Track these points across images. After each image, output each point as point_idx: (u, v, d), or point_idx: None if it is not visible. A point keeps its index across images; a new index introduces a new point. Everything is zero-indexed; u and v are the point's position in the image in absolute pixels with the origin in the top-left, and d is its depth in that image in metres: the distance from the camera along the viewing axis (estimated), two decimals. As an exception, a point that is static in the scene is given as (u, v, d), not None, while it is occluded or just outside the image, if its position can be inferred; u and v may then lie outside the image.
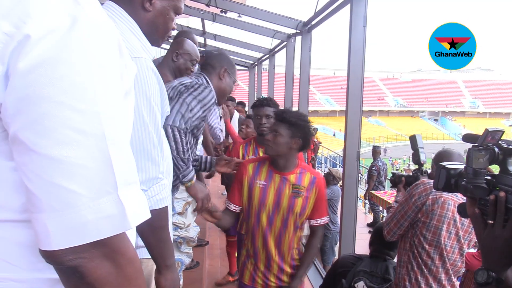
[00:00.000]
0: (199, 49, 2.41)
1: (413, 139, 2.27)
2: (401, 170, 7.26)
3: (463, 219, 1.93)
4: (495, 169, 0.95)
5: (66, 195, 0.56)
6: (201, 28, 7.15)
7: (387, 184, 8.26)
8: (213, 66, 2.03)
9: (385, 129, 49.75)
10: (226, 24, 6.06)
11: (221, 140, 3.75)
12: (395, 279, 2.14)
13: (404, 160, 31.64)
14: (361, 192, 9.29)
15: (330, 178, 5.46)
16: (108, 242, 0.59)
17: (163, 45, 1.89)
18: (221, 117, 3.97)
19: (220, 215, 2.02)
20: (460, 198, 1.91)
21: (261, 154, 2.80)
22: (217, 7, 5.19)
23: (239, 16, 5.67)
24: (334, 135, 40.45)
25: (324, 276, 3.03)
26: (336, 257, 4.71)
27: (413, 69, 77.56)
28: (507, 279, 0.87)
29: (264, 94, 7.90)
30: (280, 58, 7.14)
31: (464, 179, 0.94)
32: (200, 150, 2.99)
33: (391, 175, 2.47)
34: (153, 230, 1.14)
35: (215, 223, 2.09)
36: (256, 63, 9.53)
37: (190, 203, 3.42)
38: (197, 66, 2.39)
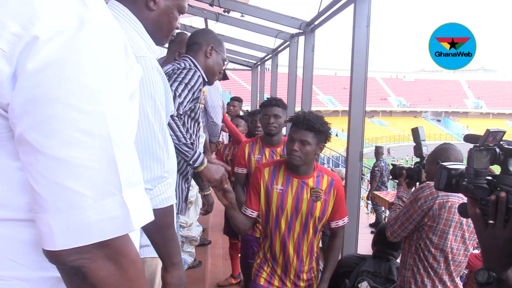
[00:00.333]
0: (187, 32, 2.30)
1: (415, 132, 2.26)
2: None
3: (469, 220, 1.92)
4: (496, 169, 0.96)
5: (72, 196, 0.56)
6: (204, 28, 7.16)
7: (390, 184, 8.23)
8: (199, 44, 1.98)
9: (387, 129, 49.52)
10: (229, 23, 6.04)
11: (220, 138, 3.71)
12: (400, 282, 2.12)
13: (407, 161, 31.51)
14: (364, 192, 9.28)
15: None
16: (111, 243, 0.59)
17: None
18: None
19: (233, 197, 1.93)
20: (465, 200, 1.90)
21: (266, 153, 2.77)
22: (220, 7, 5.16)
23: (242, 16, 5.65)
24: (336, 135, 40.26)
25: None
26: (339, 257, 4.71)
27: (416, 69, 77.22)
28: (508, 279, 0.88)
29: (267, 94, 7.89)
30: (283, 58, 7.15)
31: (465, 179, 0.95)
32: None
33: (391, 166, 2.46)
34: (159, 229, 1.15)
35: (232, 223, 2.03)
36: (259, 62, 9.51)
37: (193, 202, 3.43)
38: None
